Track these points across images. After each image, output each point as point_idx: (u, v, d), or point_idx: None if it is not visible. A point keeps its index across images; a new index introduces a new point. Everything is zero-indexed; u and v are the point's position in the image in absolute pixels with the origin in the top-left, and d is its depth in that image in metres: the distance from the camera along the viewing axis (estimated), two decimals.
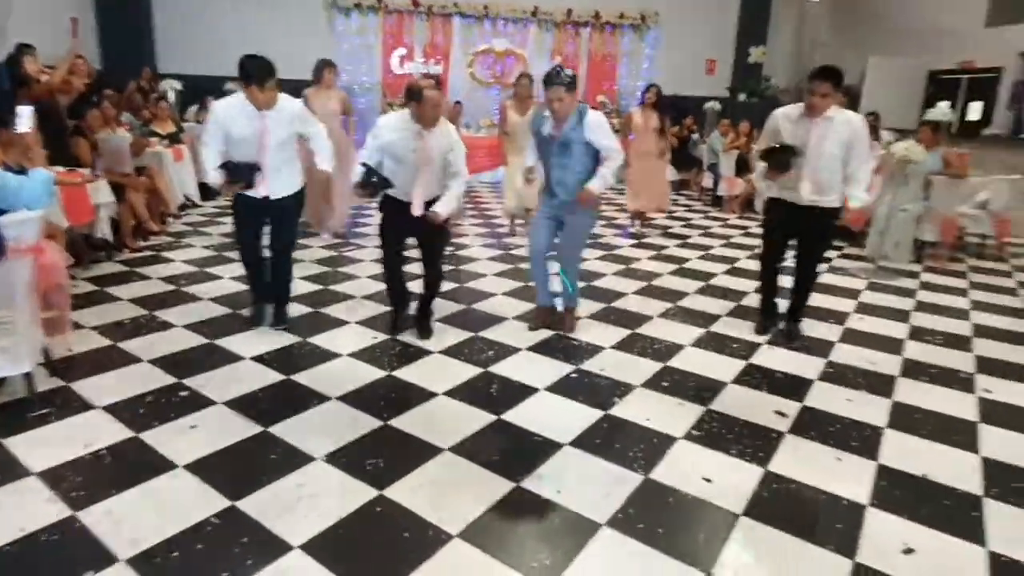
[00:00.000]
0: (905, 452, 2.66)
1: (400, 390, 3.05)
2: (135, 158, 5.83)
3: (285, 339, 3.57)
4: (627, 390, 3.14)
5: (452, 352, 3.50)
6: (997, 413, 3.03)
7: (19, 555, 1.90)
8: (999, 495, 2.37)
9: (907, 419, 2.95)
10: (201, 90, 8.60)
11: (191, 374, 3.09)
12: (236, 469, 2.36)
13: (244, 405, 2.83)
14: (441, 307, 4.16)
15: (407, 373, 3.22)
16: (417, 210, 3.42)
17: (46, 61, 5.19)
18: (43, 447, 2.44)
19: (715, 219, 7.85)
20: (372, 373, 3.21)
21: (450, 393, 3.03)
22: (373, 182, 3.33)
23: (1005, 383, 3.37)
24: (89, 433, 2.55)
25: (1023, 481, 2.47)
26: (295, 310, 3.98)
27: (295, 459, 2.44)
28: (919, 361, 3.62)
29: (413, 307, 3.83)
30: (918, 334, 4.04)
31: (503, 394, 3.05)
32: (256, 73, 3.28)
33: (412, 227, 3.54)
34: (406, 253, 3.77)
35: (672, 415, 2.90)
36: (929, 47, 10.26)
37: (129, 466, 2.35)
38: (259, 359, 3.31)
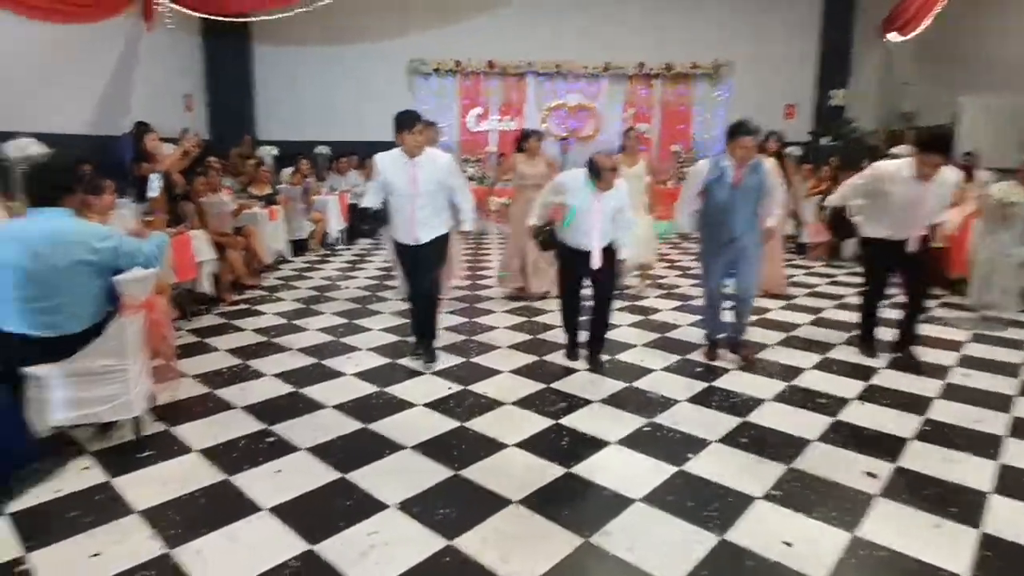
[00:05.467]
0: (1013, 520, 2.42)
1: (471, 441, 3.10)
2: (235, 218, 6.37)
3: (363, 389, 3.73)
4: (702, 445, 3.04)
5: (523, 403, 3.53)
6: None
7: None
8: None
9: (1016, 483, 2.69)
10: (294, 154, 9.32)
11: (278, 421, 3.28)
12: (315, 514, 2.47)
13: (325, 452, 2.96)
14: (505, 358, 4.22)
15: (478, 424, 3.27)
16: (597, 262, 3.85)
17: (163, 133, 5.82)
18: (146, 487, 2.64)
19: (799, 267, 7.57)
20: (444, 423, 3.28)
21: (521, 445, 3.05)
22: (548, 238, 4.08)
23: None
24: (186, 475, 2.74)
25: None
26: (374, 361, 4.17)
27: (369, 506, 2.52)
28: None
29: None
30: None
31: (574, 447, 3.03)
32: (404, 121, 3.73)
33: (589, 272, 3.95)
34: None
35: (750, 473, 2.78)
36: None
37: (220, 507, 2.51)
38: (339, 407, 3.46)
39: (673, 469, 2.82)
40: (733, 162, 3.80)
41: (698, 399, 3.59)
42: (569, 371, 4.02)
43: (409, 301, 4.36)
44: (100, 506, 2.50)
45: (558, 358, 4.26)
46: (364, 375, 3.94)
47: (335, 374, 3.96)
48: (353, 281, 6.63)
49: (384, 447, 3.02)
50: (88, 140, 7.07)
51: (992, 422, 3.28)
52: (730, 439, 3.11)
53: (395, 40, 11.67)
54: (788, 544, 2.28)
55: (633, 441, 3.09)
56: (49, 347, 2.75)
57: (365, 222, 4.16)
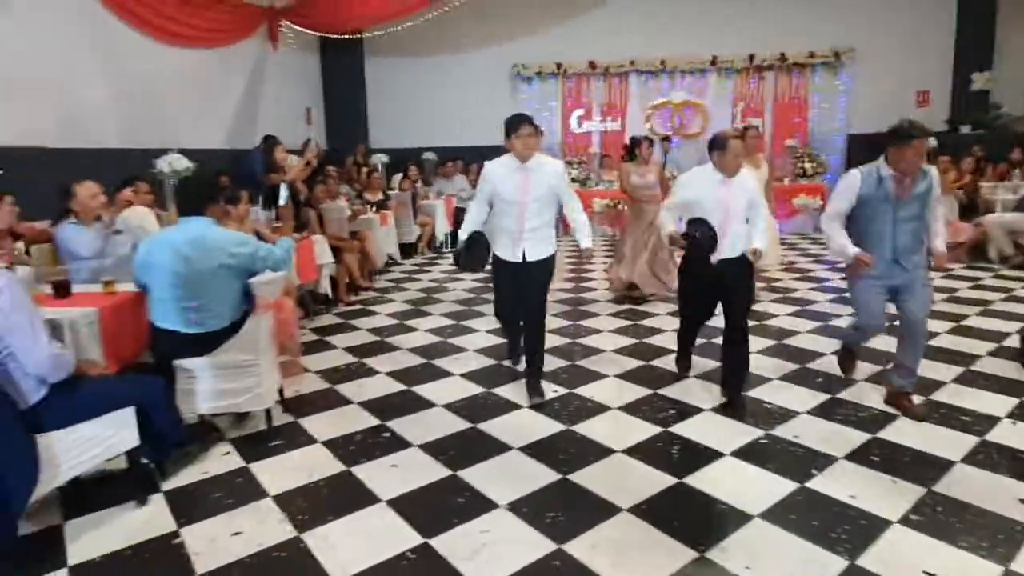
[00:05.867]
0: None
1: (578, 444, 3.08)
2: (351, 224, 6.75)
3: (470, 389, 3.81)
4: (828, 461, 2.84)
5: (630, 409, 3.47)
6: None
7: (255, 567, 2.23)
8: None
9: None
10: (404, 161, 9.74)
11: (392, 417, 3.43)
12: (429, 508, 2.55)
13: (436, 449, 3.06)
14: (610, 362, 4.17)
15: (585, 428, 3.25)
16: (721, 253, 3.38)
17: (287, 145, 6.26)
18: (278, 473, 2.85)
19: (936, 269, 6.88)
20: (551, 426, 3.29)
21: (629, 451, 2.99)
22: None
23: None
24: (312, 464, 2.93)
25: None
26: (481, 362, 4.25)
27: (480, 504, 2.57)
28: None
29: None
30: None
31: (685, 456, 2.94)
32: (512, 124, 3.48)
33: (717, 288, 3.49)
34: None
35: (886, 495, 2.56)
36: None
37: (342, 497, 2.66)
38: (448, 407, 3.56)
39: (794, 485, 2.65)
40: (893, 171, 3.15)
41: (821, 411, 3.36)
42: (679, 377, 3.90)
43: (503, 323, 4.17)
44: (239, 489, 2.73)
45: (667, 362, 4.15)
46: (471, 376, 4.03)
47: (444, 374, 4.09)
48: (459, 283, 6.81)
49: (493, 447, 3.07)
50: (223, 154, 7.77)
51: None
52: (859, 456, 2.88)
53: (497, 46, 11.88)
54: (930, 575, 2.08)
55: (749, 453, 2.94)
56: (198, 342, 3.04)
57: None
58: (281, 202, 5.34)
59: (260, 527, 2.45)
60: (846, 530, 2.34)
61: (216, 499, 2.66)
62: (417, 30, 10.21)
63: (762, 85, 11.78)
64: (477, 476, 2.80)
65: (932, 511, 2.44)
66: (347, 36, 10.24)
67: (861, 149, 9.65)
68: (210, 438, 3.19)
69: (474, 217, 3.75)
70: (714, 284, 3.49)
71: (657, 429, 3.22)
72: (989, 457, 2.85)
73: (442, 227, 9.01)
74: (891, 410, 3.33)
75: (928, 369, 3.88)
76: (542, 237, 3.60)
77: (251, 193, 4.95)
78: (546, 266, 3.64)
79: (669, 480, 2.72)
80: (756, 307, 5.38)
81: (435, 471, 2.86)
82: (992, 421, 3.19)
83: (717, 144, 3.38)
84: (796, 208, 9.94)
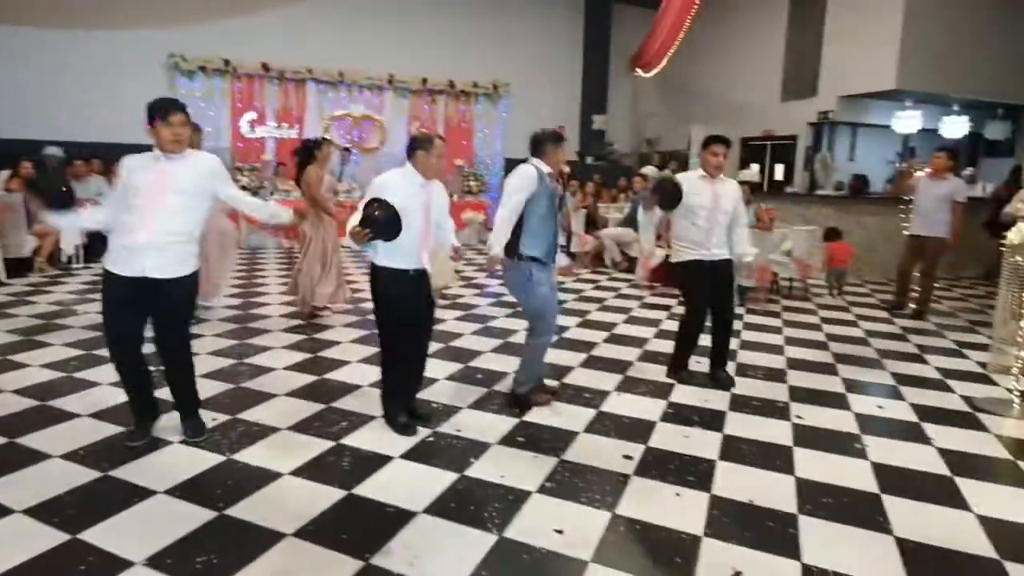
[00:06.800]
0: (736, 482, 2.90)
1: (239, 474, 2.82)
2: None
3: (103, 431, 3.19)
4: (484, 448, 3.14)
5: (301, 427, 3.32)
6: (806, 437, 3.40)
7: None
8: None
9: (734, 450, 3.21)
10: (14, 155, 7.75)
11: None
12: None
13: (48, 511, 2.46)
14: (279, 380, 3.97)
15: (248, 455, 2.99)
16: (423, 261, 3.21)
17: None
18: None
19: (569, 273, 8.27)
20: (208, 459, 2.94)
21: (297, 472, 2.85)
22: None
23: (812, 408, 3.80)
24: None
25: (831, 496, 2.77)
26: (119, 397, 3.60)
27: (108, 567, 2.15)
28: (743, 395, 3.99)
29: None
30: (742, 370, 4.46)
31: (355, 467, 2.92)
32: (157, 108, 2.89)
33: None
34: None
35: (527, 469, 2.93)
36: (740, 117, 11.81)
37: None
38: (69, 456, 2.91)
39: (456, 476, 2.86)
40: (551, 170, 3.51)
41: (479, 404, 3.71)
42: (353, 387, 3.88)
43: (122, 369, 3.04)
44: None
45: (341, 375, 4.10)
46: (104, 415, 3.37)
47: (65, 416, 3.34)
48: (93, 305, 5.67)
49: (131, 496, 2.60)
50: None
51: (716, 400, 3.88)
52: (508, 440, 3.25)
53: (151, 30, 10.35)
54: (559, 532, 2.44)
55: (416, 453, 3.07)
56: None
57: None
58: None
59: None
60: (496, 507, 2.60)
61: None
62: None
63: (435, 108, 12.65)
64: (106, 534, 2.34)
65: (562, 477, 2.89)
66: None
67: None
68: None
69: (97, 221, 3.14)
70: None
71: (329, 444, 3.14)
72: (603, 424, 3.50)
73: (71, 238, 7.43)
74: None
75: (561, 358, 4.61)
76: (182, 254, 2.96)
77: None
78: (183, 289, 2.99)
79: (338, 494, 2.68)
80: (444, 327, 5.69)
81: (46, 539, 2.30)
82: (604, 395, 3.93)
83: (422, 143, 3.17)
84: (464, 222, 10.89)
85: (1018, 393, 3.85)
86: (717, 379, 4.13)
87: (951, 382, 4.35)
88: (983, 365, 4.65)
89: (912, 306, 6.35)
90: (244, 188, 9.90)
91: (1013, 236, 3.83)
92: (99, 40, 9.99)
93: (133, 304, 2.93)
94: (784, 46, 11.55)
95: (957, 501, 2.77)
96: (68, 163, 8.64)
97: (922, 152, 10.33)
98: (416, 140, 3.24)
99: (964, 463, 3.13)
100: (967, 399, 4.01)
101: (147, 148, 3.00)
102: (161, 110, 2.91)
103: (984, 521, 2.61)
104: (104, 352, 4.32)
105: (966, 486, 2.89)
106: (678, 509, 2.64)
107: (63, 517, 2.43)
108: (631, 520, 2.55)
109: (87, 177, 8.52)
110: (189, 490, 2.67)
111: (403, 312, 3.23)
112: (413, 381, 3.45)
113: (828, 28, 10.65)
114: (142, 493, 2.63)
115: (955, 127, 10.29)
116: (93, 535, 2.33)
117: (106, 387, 3.75)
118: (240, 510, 2.53)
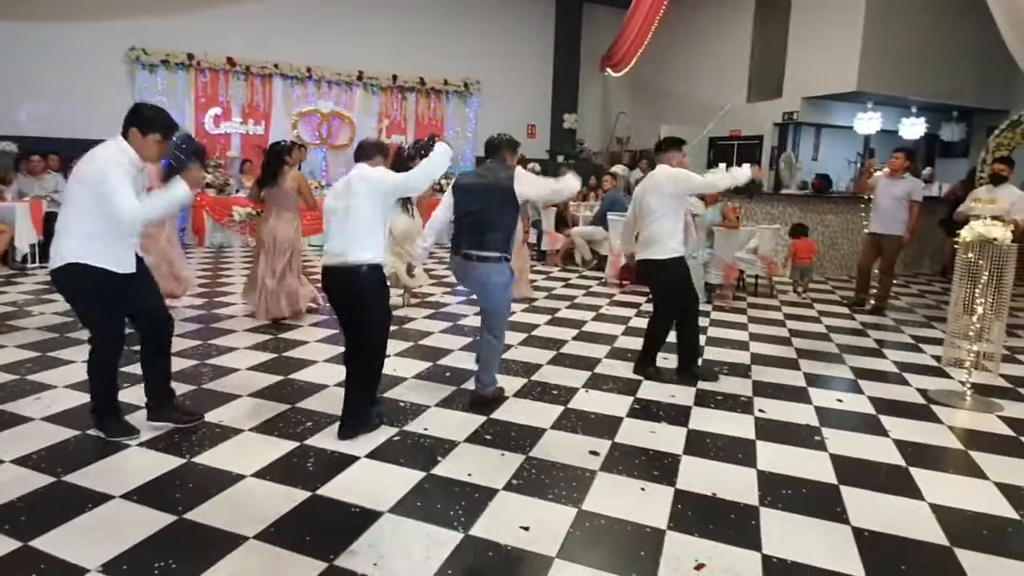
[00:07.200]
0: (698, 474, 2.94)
1: (200, 477, 2.76)
2: None
3: (58, 435, 3.09)
4: (451, 446, 3.13)
5: (265, 428, 3.26)
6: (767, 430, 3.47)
7: None
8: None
9: (698, 445, 3.26)
10: None
11: None
12: None
13: None
14: (243, 381, 3.91)
15: (209, 457, 2.93)
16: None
17: None
18: None
19: (541, 272, 8.30)
20: (167, 462, 2.87)
21: (259, 474, 2.80)
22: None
23: (774, 402, 3.88)
24: None
25: (790, 488, 2.83)
26: (74, 399, 3.48)
27: (62, 574, 2.09)
28: (709, 390, 4.04)
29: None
30: (708, 366, 4.52)
31: (320, 468, 2.89)
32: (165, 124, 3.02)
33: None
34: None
35: (495, 467, 2.93)
36: (708, 117, 11.98)
37: None
38: (21, 461, 2.82)
39: (422, 474, 2.84)
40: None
41: (447, 402, 3.69)
42: (319, 387, 3.83)
43: (116, 365, 3.14)
44: None
45: (307, 375, 4.04)
46: (58, 418, 3.27)
47: (18, 420, 3.23)
48: (50, 306, 5.50)
49: (86, 501, 2.53)
50: None
51: (684, 397, 3.94)
52: (476, 437, 3.24)
53: (111, 21, 10.09)
54: (525, 528, 2.45)
55: (382, 452, 3.05)
56: None
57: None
58: None
59: None
60: (462, 505, 2.60)
61: None
62: None
63: (405, 105, 12.58)
64: (60, 540, 2.27)
65: (529, 474, 2.89)
66: None
67: None
68: None
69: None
70: None
71: (293, 444, 3.10)
72: (570, 421, 3.51)
73: (26, 236, 7.19)
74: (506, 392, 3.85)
75: (529, 355, 4.62)
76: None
77: None
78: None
79: (302, 495, 2.64)
80: (398, 312, 5.67)
81: None
82: (572, 392, 3.95)
83: (379, 150, 3.32)
84: None
85: (970, 386, 3.98)
86: (696, 374, 4.23)
87: (908, 375, 4.48)
88: (938, 359, 4.80)
89: (872, 302, 6.52)
90: (209, 186, 9.71)
91: (966, 234, 3.96)
92: (56, 31, 9.68)
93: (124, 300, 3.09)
94: (750, 48, 11.77)
95: (911, 491, 2.85)
96: (22, 158, 8.37)
97: (882, 152, 10.62)
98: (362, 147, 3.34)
99: (918, 454, 3.23)
100: (922, 392, 4.14)
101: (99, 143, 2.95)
102: (172, 129, 3.02)
103: (936, 509, 2.69)
104: (59, 354, 4.25)
105: (920, 476, 2.98)
106: (643, 503, 2.67)
107: (14, 524, 2.36)
108: (597, 515, 2.56)
109: (43, 174, 8.25)
110: (147, 494, 2.60)
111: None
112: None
113: (792, 31, 10.88)
114: (98, 498, 2.56)
115: (913, 128, 10.62)
116: (45, 542, 2.26)
117: (61, 390, 3.65)
118: (200, 513, 2.48)
